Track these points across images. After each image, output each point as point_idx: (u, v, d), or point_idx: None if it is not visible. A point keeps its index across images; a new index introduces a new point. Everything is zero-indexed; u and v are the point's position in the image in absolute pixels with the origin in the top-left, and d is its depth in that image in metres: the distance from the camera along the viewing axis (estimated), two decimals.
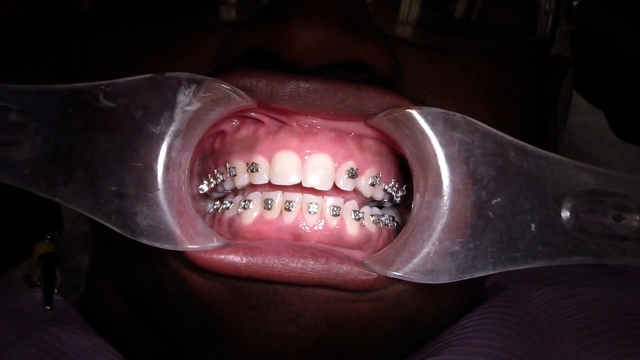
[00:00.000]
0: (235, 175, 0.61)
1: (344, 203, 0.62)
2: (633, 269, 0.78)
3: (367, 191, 0.62)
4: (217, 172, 0.63)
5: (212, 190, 0.63)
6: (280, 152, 0.60)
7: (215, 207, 0.63)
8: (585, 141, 1.16)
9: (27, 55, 0.75)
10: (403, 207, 0.64)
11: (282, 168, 0.60)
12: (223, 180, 0.63)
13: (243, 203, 0.61)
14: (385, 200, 0.64)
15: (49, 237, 0.81)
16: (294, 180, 0.60)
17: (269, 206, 0.60)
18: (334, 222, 0.61)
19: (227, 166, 0.62)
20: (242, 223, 0.60)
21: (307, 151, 0.61)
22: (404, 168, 0.63)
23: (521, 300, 0.73)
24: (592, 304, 0.71)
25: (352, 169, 0.61)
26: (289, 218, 0.60)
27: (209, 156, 0.64)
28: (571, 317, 0.70)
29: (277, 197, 0.61)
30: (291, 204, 0.60)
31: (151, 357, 0.73)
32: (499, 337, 0.65)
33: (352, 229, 0.61)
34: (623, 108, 0.82)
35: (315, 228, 0.60)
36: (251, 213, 0.60)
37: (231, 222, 0.61)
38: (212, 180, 0.63)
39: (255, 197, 0.61)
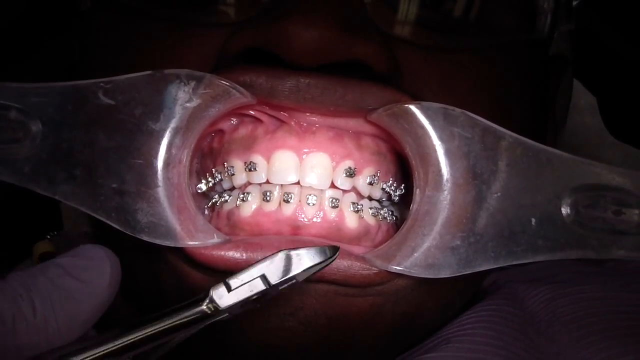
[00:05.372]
0: (233, 174, 0.62)
1: (343, 195, 0.62)
2: (632, 267, 0.78)
3: (365, 190, 0.62)
4: (215, 171, 0.63)
5: (210, 189, 0.63)
6: (279, 151, 0.60)
7: (213, 200, 0.63)
8: (585, 141, 1.16)
9: (27, 54, 0.76)
10: (402, 205, 0.64)
11: (280, 167, 0.60)
12: (221, 180, 0.63)
13: (242, 195, 0.61)
14: (384, 199, 0.64)
15: (49, 236, 0.81)
16: (292, 179, 0.60)
17: (268, 198, 0.60)
18: (332, 214, 0.60)
19: (225, 165, 0.62)
20: (241, 215, 0.60)
21: (305, 150, 0.61)
22: (403, 167, 0.63)
23: (519, 299, 0.72)
24: (590, 302, 0.71)
25: (350, 167, 0.61)
26: (288, 210, 0.60)
27: (207, 155, 0.64)
28: (569, 316, 0.70)
29: (276, 189, 0.60)
30: (290, 196, 0.60)
31: None
32: (498, 335, 0.65)
33: (350, 221, 0.61)
34: (618, 106, 0.82)
35: (314, 220, 0.60)
36: (250, 205, 0.60)
37: (230, 214, 0.61)
38: (210, 179, 0.63)
39: (254, 190, 0.61)
